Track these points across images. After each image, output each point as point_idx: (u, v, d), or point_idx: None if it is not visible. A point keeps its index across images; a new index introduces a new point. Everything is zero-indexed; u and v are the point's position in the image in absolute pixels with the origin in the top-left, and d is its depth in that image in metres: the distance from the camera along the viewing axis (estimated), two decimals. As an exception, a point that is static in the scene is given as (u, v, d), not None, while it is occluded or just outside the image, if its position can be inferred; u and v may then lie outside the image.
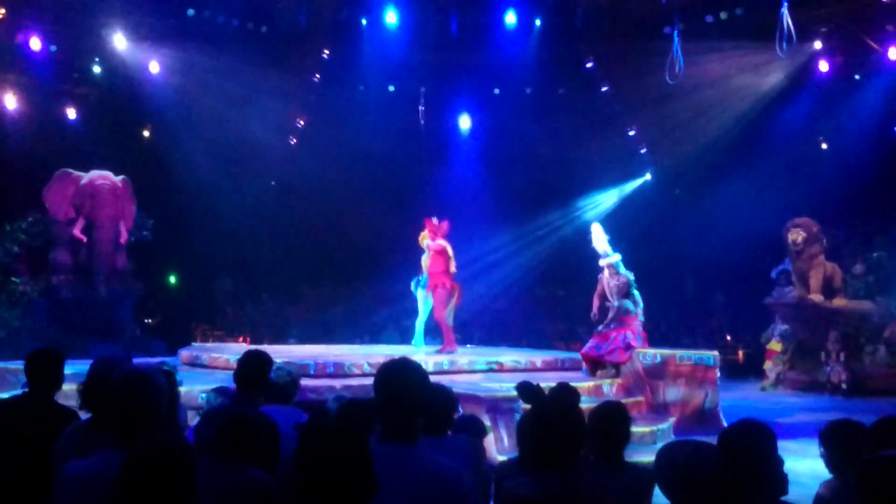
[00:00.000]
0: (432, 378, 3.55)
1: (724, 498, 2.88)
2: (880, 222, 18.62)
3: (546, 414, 2.89)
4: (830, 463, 3.81)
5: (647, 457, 6.37)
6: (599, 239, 12.67)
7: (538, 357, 12.27)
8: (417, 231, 12.79)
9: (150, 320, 20.84)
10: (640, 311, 12.16)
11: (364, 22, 19.21)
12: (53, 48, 17.13)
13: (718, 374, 11.73)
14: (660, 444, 8.81)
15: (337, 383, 9.28)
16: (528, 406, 3.39)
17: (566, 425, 2.80)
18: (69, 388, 4.60)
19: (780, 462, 3.76)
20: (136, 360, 5.13)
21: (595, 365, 11.91)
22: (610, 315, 12.15)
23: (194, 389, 8.01)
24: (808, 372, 16.68)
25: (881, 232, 18.41)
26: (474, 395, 8.93)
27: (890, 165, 18.05)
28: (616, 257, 12.55)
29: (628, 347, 11.72)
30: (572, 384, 4.78)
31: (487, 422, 8.54)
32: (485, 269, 19.35)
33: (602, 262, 12.57)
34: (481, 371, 11.21)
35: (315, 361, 10.08)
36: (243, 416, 3.70)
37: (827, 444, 3.81)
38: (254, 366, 4.75)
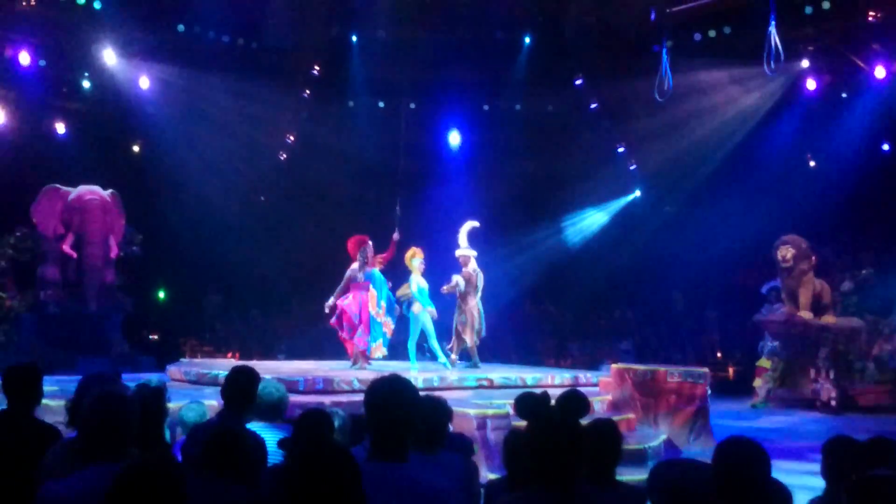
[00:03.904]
0: (422, 394, 3.52)
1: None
2: (868, 239, 18.70)
3: (552, 425, 2.81)
4: (828, 474, 3.82)
5: (637, 475, 6.35)
6: (464, 236, 12.74)
7: (528, 373, 12.22)
8: (403, 247, 12.77)
9: (154, 336, 20.77)
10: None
11: (354, 38, 19.30)
12: (42, 63, 17.11)
13: (709, 391, 11.71)
14: (650, 462, 8.81)
15: (326, 399, 9.20)
16: (518, 423, 3.34)
17: (572, 438, 2.73)
18: (57, 403, 4.56)
19: (789, 495, 3.73)
20: (124, 377, 5.09)
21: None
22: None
23: (182, 406, 7.93)
24: (797, 389, 16.69)
25: (869, 249, 18.49)
26: (463, 413, 8.88)
27: (877, 183, 18.16)
28: (472, 253, 12.62)
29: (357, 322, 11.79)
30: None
31: (478, 439, 8.51)
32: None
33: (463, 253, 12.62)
34: (470, 388, 11.16)
35: (304, 377, 10.02)
36: (230, 432, 3.67)
37: (826, 457, 3.83)
38: (241, 382, 4.71)
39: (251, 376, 4.75)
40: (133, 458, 3.12)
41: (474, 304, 12.70)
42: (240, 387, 4.69)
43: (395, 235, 12.71)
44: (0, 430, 4.29)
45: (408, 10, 18.18)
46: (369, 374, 10.58)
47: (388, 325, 12.26)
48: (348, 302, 12.05)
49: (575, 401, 4.12)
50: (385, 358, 12.55)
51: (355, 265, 12.07)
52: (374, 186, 20.89)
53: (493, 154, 21.44)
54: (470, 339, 12.66)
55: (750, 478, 2.82)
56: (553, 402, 3.89)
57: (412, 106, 20.88)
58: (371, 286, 12.04)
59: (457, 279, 12.59)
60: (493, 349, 18.42)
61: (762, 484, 2.84)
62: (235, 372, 4.78)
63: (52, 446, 3.84)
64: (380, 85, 20.08)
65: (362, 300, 11.99)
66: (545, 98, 20.82)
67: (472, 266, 12.69)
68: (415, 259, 12.40)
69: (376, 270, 12.15)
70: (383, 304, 12.12)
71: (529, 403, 3.88)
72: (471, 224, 12.89)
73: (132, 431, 3.28)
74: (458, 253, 12.71)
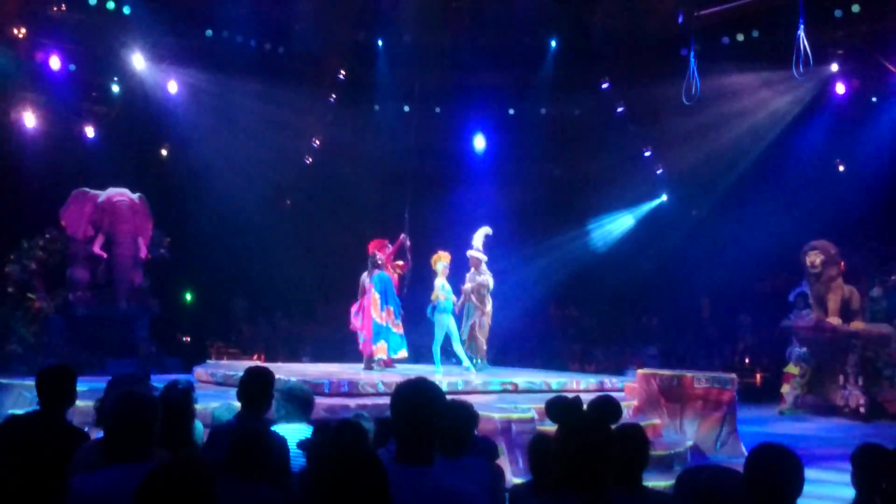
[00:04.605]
0: (449, 397, 3.51)
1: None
2: (898, 245, 18.47)
3: (584, 429, 2.79)
4: (857, 483, 3.78)
5: (663, 481, 6.32)
6: (479, 239, 12.69)
7: (552, 378, 12.17)
8: (429, 251, 12.79)
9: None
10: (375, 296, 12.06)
11: (380, 43, 19.37)
12: (72, 67, 17.33)
13: (736, 397, 11.61)
14: (676, 468, 8.74)
15: (351, 402, 9.23)
16: (543, 427, 3.33)
17: (603, 443, 2.72)
18: (85, 404, 4.59)
19: None
20: (152, 378, 5.13)
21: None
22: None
23: (209, 407, 7.98)
24: (825, 396, 16.51)
25: (899, 255, 18.26)
26: (488, 417, 8.87)
27: (907, 188, 17.94)
28: (484, 258, 12.57)
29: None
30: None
31: (502, 443, 8.49)
32: (498, 289, 19.37)
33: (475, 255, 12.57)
34: (495, 392, 11.14)
35: (329, 380, 10.05)
36: (254, 433, 3.69)
37: (856, 466, 3.79)
38: (256, 383, 4.74)
39: (266, 376, 4.77)
40: (160, 458, 3.14)
41: (490, 306, 12.72)
42: (256, 388, 4.72)
43: (407, 242, 12.74)
44: (30, 432, 4.32)
45: (433, 14, 18.21)
46: (394, 377, 10.59)
47: (400, 328, 12.20)
48: (356, 308, 12.20)
49: (607, 406, 4.11)
50: (403, 360, 12.55)
51: (366, 270, 12.16)
52: (400, 190, 20.92)
53: (518, 158, 21.41)
54: (484, 342, 12.69)
55: (783, 486, 2.78)
56: (584, 407, 3.88)
57: (437, 110, 20.91)
58: (374, 290, 12.06)
59: (485, 278, 12.57)
60: (516, 353, 18.37)
61: (795, 492, 2.80)
62: (250, 374, 4.79)
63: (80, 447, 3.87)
64: (405, 89, 20.12)
65: (366, 305, 12.06)
66: (571, 102, 20.77)
67: (485, 269, 12.69)
68: (440, 262, 12.38)
69: (383, 273, 12.14)
70: (389, 308, 12.08)
71: (561, 407, 3.86)
72: (485, 230, 12.89)
73: (155, 432, 3.30)
74: (470, 253, 12.70)
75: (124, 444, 3.18)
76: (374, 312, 12.01)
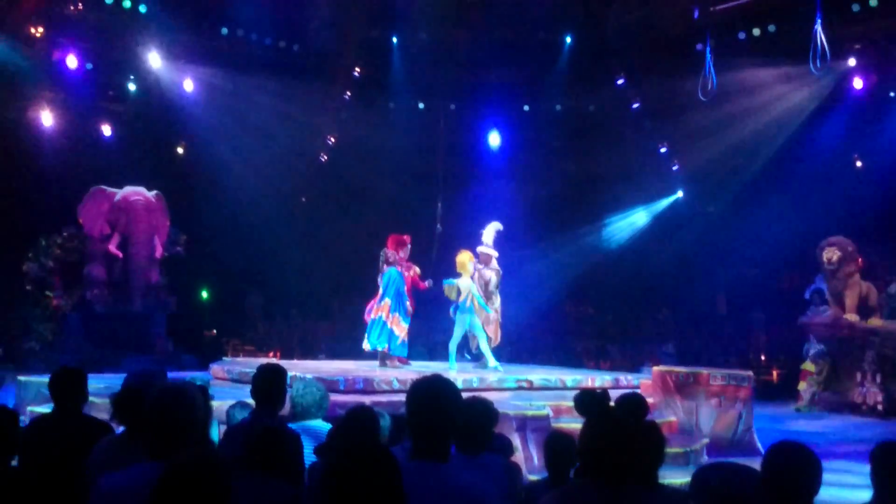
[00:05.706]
0: (470, 395, 3.52)
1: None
2: (916, 241, 18.33)
3: (611, 422, 2.80)
4: (876, 481, 3.75)
5: (678, 478, 6.29)
6: (489, 235, 12.62)
7: (567, 375, 12.13)
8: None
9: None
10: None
11: (395, 40, 19.39)
12: (89, 66, 17.46)
13: (752, 394, 11.55)
14: (692, 466, 8.72)
15: (366, 399, 9.23)
16: (559, 425, 3.33)
17: (630, 438, 2.73)
18: (103, 402, 4.61)
19: None
20: (169, 375, 5.15)
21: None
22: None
23: (225, 404, 8.01)
24: (843, 393, 16.41)
25: (918, 251, 18.12)
26: (504, 414, 8.85)
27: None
28: (495, 253, 12.51)
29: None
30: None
31: (517, 440, 8.48)
32: (513, 287, 19.36)
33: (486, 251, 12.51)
34: (510, 389, 11.12)
35: (344, 377, 10.05)
36: (269, 429, 3.71)
37: (875, 464, 3.76)
38: (269, 380, 4.76)
39: (278, 373, 4.79)
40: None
41: (499, 302, 12.69)
42: (268, 385, 4.73)
43: (428, 283, 12.66)
44: (52, 430, 4.36)
45: (448, 11, 18.22)
46: (409, 374, 10.60)
47: (396, 322, 12.03)
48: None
49: (635, 402, 4.12)
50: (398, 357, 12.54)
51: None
52: (415, 187, 20.95)
53: (533, 154, 21.37)
54: (493, 339, 12.63)
55: (801, 484, 2.77)
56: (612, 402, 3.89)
57: (452, 107, 20.91)
58: (380, 285, 12.05)
59: (490, 274, 12.52)
60: (531, 350, 18.36)
61: (813, 491, 2.79)
62: (262, 371, 4.81)
63: (100, 441, 3.89)
64: (420, 86, 20.14)
65: (373, 302, 12.06)
66: (586, 98, 20.72)
67: (495, 265, 12.64)
68: (470, 262, 12.25)
69: (393, 270, 12.05)
70: (387, 300, 11.98)
71: (590, 401, 3.86)
72: (495, 226, 12.82)
73: (197, 425, 3.25)
74: (480, 249, 12.64)
75: (170, 439, 3.10)
76: (374, 307, 12.03)
